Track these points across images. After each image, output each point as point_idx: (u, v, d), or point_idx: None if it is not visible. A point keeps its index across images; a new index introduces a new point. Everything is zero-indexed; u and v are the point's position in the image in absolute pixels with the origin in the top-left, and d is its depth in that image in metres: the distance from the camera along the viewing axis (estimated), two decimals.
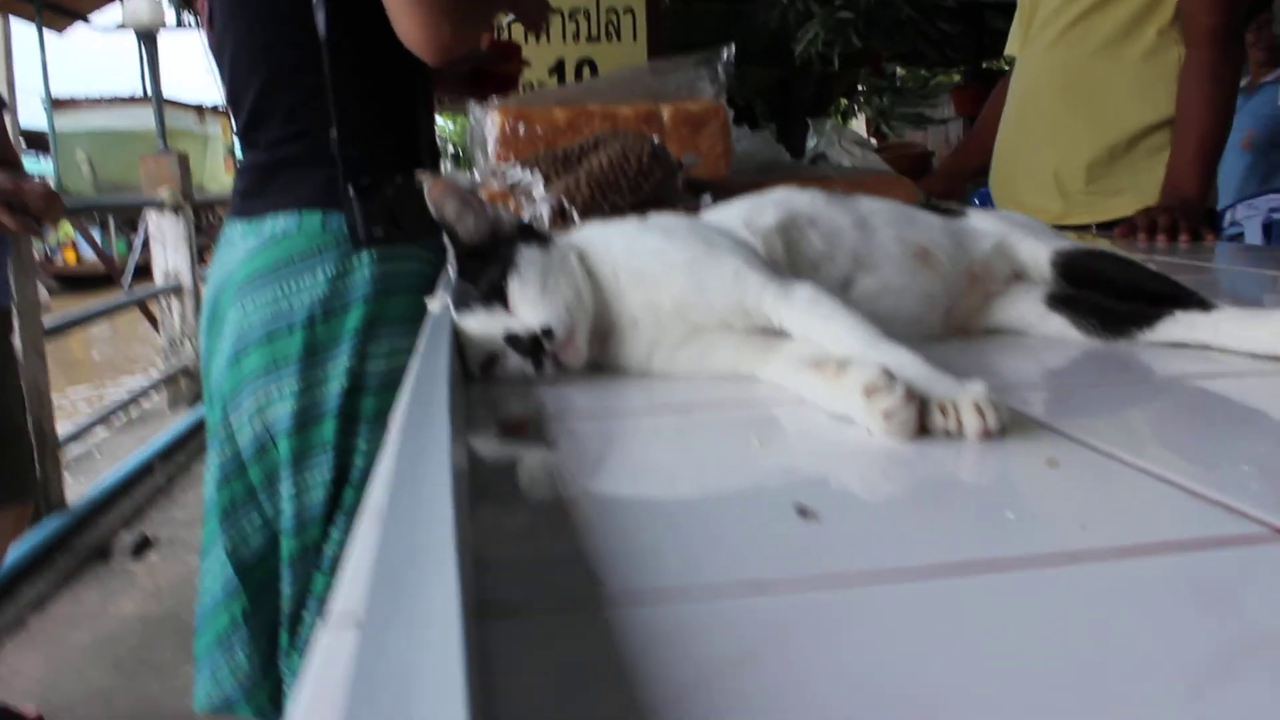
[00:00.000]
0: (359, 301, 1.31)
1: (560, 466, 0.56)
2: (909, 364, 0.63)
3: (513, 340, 0.76)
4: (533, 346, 0.75)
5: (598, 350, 0.79)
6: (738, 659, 0.33)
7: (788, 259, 0.85)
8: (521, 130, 1.55)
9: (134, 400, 4.93)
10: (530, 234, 0.82)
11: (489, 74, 1.75)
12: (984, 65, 6.36)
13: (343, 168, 1.31)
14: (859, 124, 7.22)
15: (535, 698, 0.31)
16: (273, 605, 1.31)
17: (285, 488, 1.28)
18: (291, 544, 1.29)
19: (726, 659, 0.33)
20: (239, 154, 1.45)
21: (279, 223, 1.32)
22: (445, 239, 0.82)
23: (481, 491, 0.50)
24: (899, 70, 6.86)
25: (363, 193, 1.31)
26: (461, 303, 0.78)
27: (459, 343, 0.76)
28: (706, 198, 1.26)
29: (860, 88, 6.55)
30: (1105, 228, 2.01)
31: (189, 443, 4.43)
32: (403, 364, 0.76)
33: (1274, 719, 0.30)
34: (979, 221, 0.98)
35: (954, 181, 2.52)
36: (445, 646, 0.26)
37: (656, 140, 1.28)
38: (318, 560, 1.29)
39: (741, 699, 0.30)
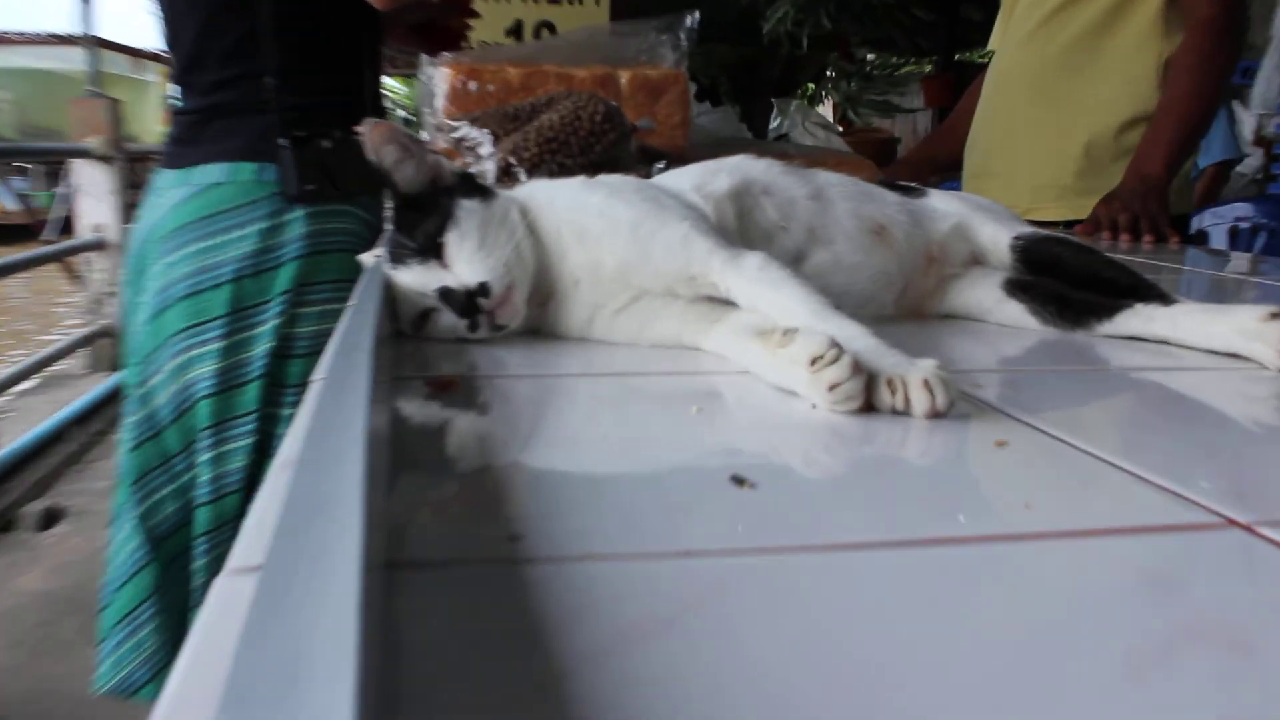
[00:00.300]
0: (290, 260, 1.28)
1: (489, 427, 0.55)
2: (857, 337, 0.63)
3: (447, 296, 0.75)
4: (468, 304, 0.75)
5: (537, 314, 0.78)
6: (665, 620, 0.33)
7: (739, 227, 0.84)
8: (472, 87, 1.54)
9: (49, 361, 4.78)
10: (472, 186, 0.81)
11: (440, 28, 1.72)
12: (956, 57, 6.41)
13: (279, 117, 1.28)
14: (826, 109, 7.24)
15: (446, 654, 0.30)
16: (184, 582, 1.26)
17: (203, 454, 1.24)
18: (207, 515, 1.24)
19: (653, 619, 0.33)
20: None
21: (210, 173, 1.28)
22: (385, 189, 0.80)
23: (404, 448, 0.50)
24: (869, 56, 6.89)
25: (298, 144, 1.28)
26: (397, 256, 0.77)
27: (392, 297, 0.76)
28: (660, 166, 1.24)
29: (829, 72, 6.57)
30: (1072, 226, 2.02)
31: (108, 408, 4.30)
32: (334, 327, 0.73)
33: (1211, 704, 0.30)
34: (939, 202, 0.98)
35: (920, 170, 2.52)
36: (343, 596, 0.26)
37: (612, 102, 1.27)
38: (234, 534, 1.24)
39: (668, 659, 0.30)
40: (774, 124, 2.09)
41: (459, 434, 0.56)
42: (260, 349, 1.26)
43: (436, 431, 0.55)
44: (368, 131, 0.77)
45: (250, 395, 1.25)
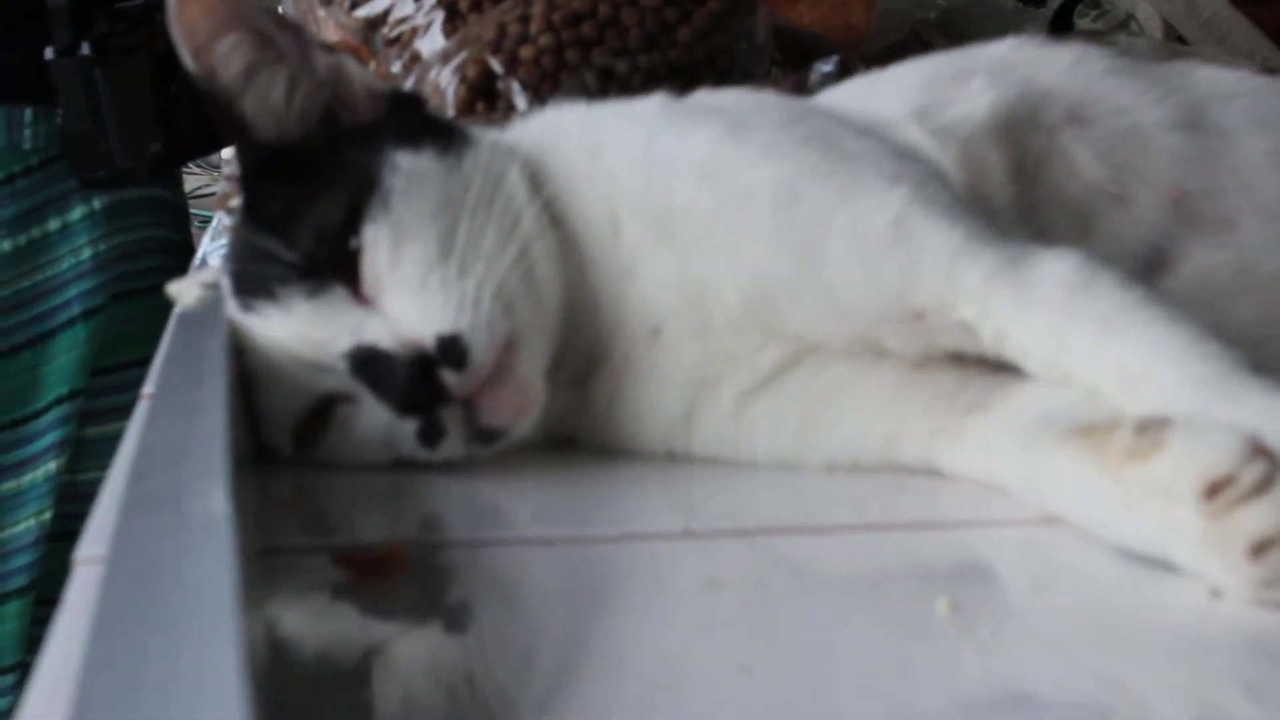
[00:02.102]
0: (67, 321, 1.07)
1: (478, 664, 0.44)
2: None
3: (371, 366, 0.56)
4: (418, 383, 0.55)
5: (567, 403, 0.62)
6: None
7: (1017, 198, 0.65)
8: None
9: None
10: (417, 121, 0.63)
11: None
12: None
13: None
14: None
15: None
16: None
17: None
18: None
19: None
20: None
21: None
22: (225, 131, 0.65)
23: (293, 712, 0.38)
24: None
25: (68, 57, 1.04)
26: (252, 283, 0.59)
27: (248, 375, 0.59)
28: (824, 67, 0.95)
29: None
30: None
31: None
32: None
33: None
34: None
35: None
36: None
37: None
38: None
39: None
40: None
41: (410, 684, 0.43)
42: (22, 517, 1.10)
43: (355, 676, 0.43)
44: (179, 4, 0.57)
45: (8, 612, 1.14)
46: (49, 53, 0.99)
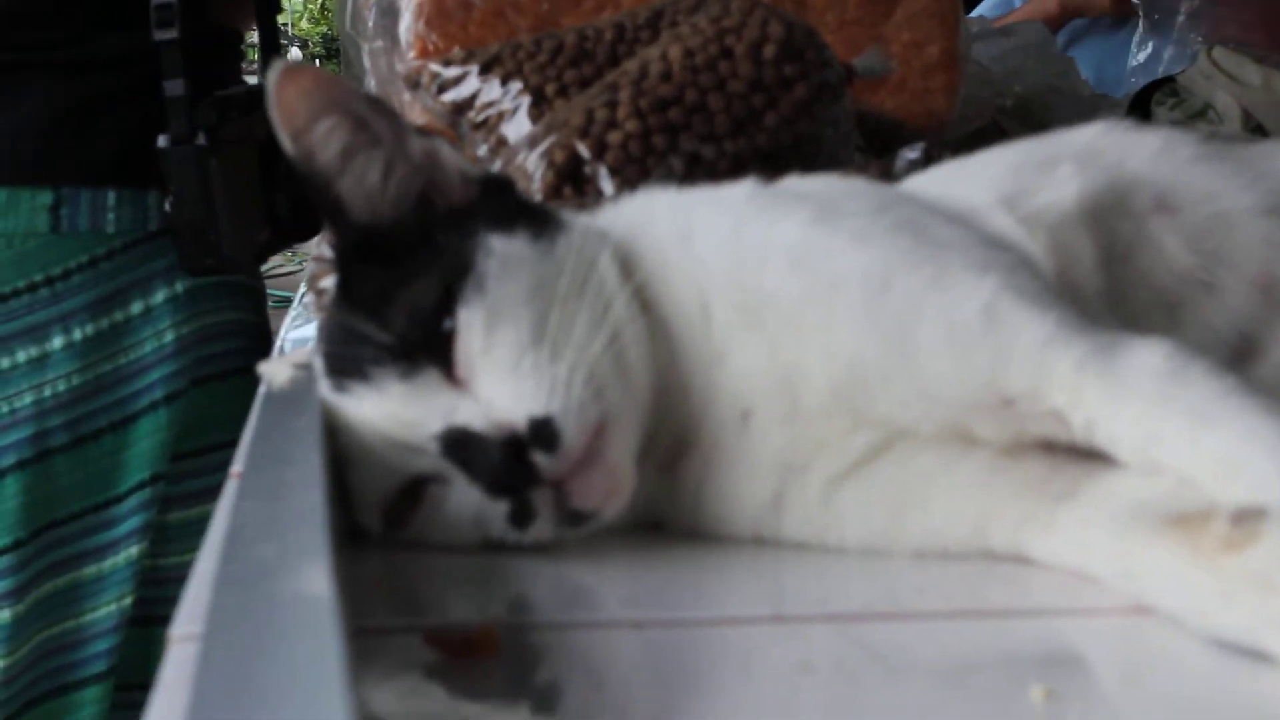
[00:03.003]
0: (149, 407, 1.07)
1: None
2: None
3: (463, 448, 0.55)
4: (511, 464, 0.54)
5: (655, 486, 0.61)
6: None
7: (1107, 284, 0.65)
8: None
9: None
10: (509, 206, 0.63)
11: None
12: None
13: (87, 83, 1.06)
14: None
15: None
16: None
17: None
18: None
19: None
20: None
21: None
22: (321, 213, 0.62)
23: None
24: None
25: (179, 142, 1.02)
26: (345, 364, 0.59)
27: (339, 457, 0.58)
28: (909, 154, 0.93)
29: None
30: None
31: None
32: None
33: None
34: None
35: None
36: None
37: (797, 18, 0.96)
38: None
39: None
40: (1139, 53, 1.66)
41: None
42: (103, 601, 1.09)
43: None
44: (277, 84, 0.57)
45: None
46: (162, 140, 0.99)
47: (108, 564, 1.12)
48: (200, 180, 0.96)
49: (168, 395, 1.09)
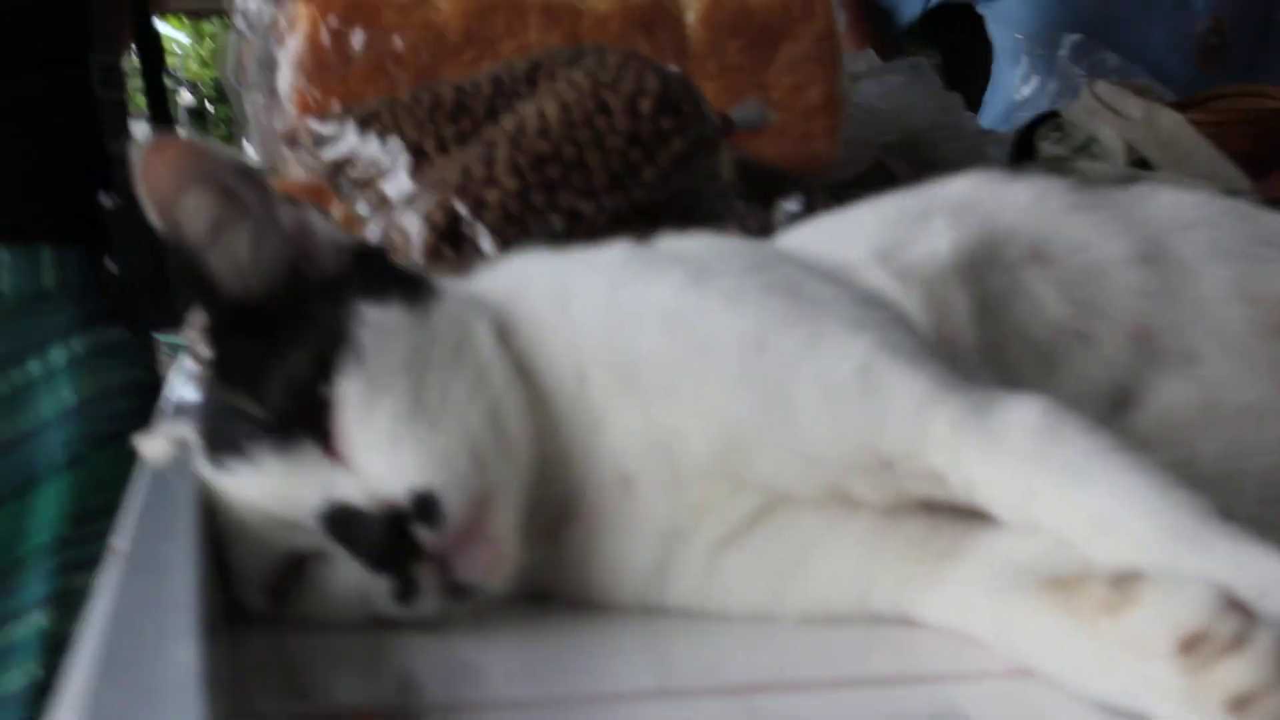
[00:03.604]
0: (50, 471, 1.07)
1: None
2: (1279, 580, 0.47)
3: (341, 523, 0.55)
4: (391, 540, 0.54)
5: (540, 556, 0.60)
6: None
7: (983, 337, 0.65)
8: (358, 43, 1.08)
9: None
10: (384, 275, 0.63)
11: None
12: None
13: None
14: None
15: None
16: None
17: None
18: None
19: None
20: None
21: None
22: (190, 285, 0.62)
23: None
24: None
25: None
26: (222, 440, 0.58)
27: (218, 534, 0.57)
28: (789, 206, 0.93)
29: None
30: None
31: None
32: None
33: None
34: None
35: None
36: None
37: (674, 70, 0.93)
38: None
39: None
40: (1023, 87, 1.63)
41: None
42: (11, 672, 1.08)
43: None
44: (143, 157, 0.57)
45: None
46: (106, 200, 0.99)
47: (17, 633, 1.10)
48: (152, 239, 0.96)
49: (69, 459, 1.08)
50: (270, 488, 0.56)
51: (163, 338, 1.22)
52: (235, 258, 0.60)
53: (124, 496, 1.03)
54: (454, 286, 0.66)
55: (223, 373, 0.60)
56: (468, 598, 0.56)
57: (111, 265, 1.05)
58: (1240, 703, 0.41)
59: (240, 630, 0.58)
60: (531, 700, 0.53)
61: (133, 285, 1.05)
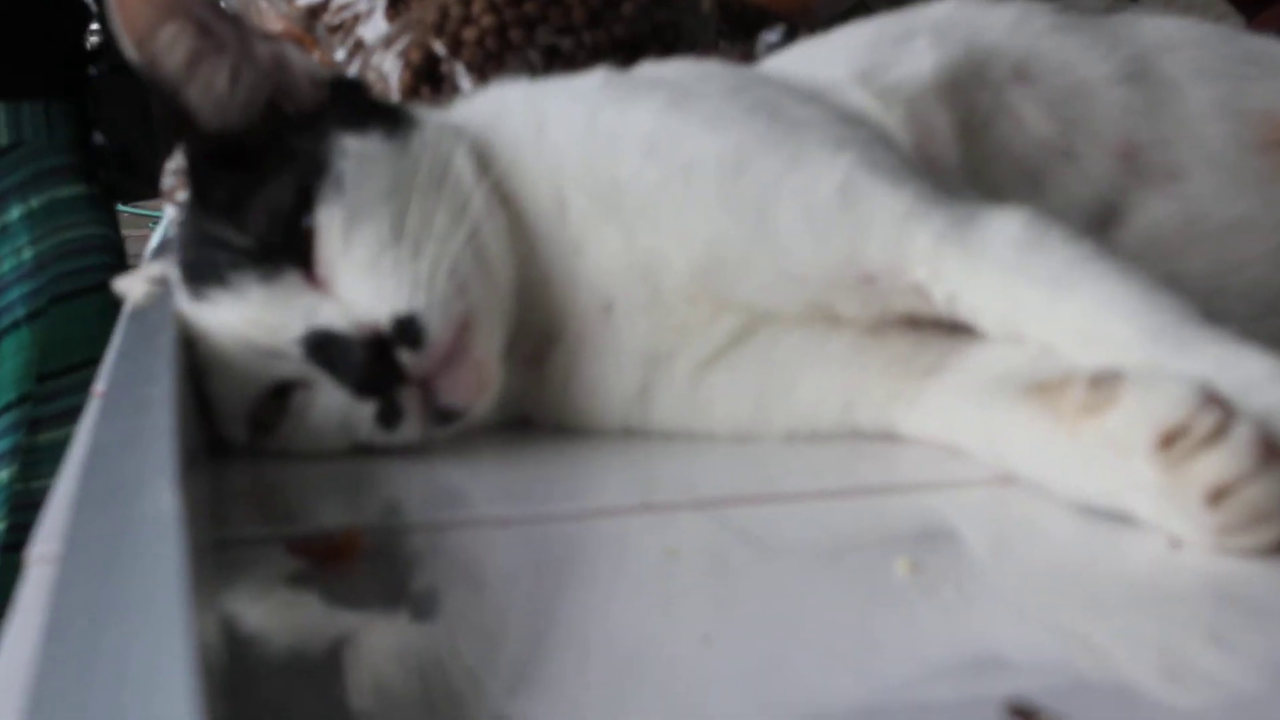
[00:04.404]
0: (15, 325, 1.09)
1: (441, 648, 0.43)
2: (1263, 380, 0.47)
3: (326, 349, 0.55)
4: (375, 364, 0.55)
5: (522, 381, 0.62)
6: None
7: (965, 157, 0.65)
8: None
9: None
10: (362, 106, 0.63)
11: None
12: None
13: None
14: None
15: None
16: None
17: None
18: None
19: None
20: None
21: None
22: (171, 121, 0.62)
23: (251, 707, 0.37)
24: None
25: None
26: (203, 270, 0.58)
27: (199, 365, 0.58)
28: (770, 37, 0.95)
29: None
30: None
31: None
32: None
33: None
34: None
35: None
36: None
37: None
38: None
39: None
40: None
41: (378, 671, 0.42)
42: None
43: (322, 666, 0.42)
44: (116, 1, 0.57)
45: None
46: (94, 71, 1.00)
47: None
48: (142, 109, 0.94)
49: (30, 313, 1.09)
50: (253, 315, 0.57)
51: (143, 212, 1.23)
52: (213, 91, 0.60)
53: (90, 352, 1.05)
54: (433, 116, 0.65)
55: (204, 204, 0.60)
56: (451, 422, 0.57)
57: (98, 136, 1.06)
58: (1217, 494, 0.42)
59: (222, 463, 0.59)
60: (514, 518, 0.54)
61: (117, 156, 1.07)
